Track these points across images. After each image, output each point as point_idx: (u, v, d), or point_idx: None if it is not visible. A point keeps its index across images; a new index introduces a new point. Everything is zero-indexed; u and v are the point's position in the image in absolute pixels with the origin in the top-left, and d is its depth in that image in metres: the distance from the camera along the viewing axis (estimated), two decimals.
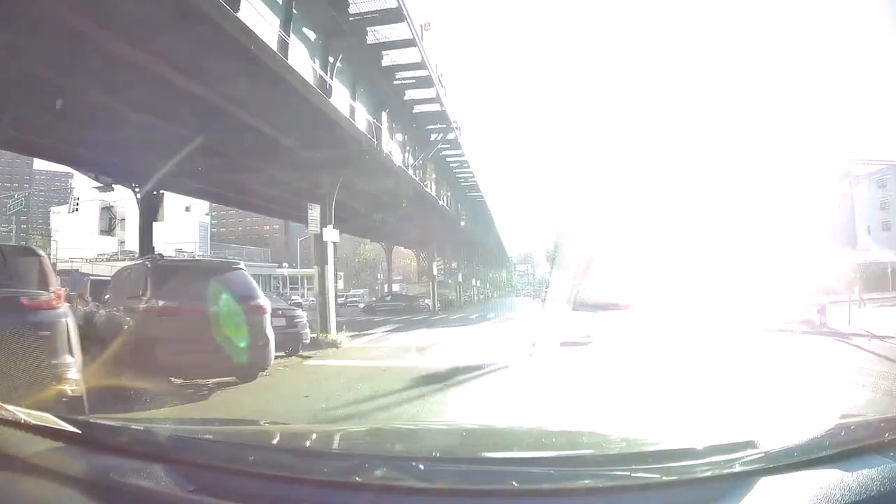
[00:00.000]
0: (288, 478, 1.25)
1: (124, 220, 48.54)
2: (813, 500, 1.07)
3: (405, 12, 12.64)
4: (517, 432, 2.15)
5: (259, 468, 1.29)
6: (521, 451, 1.70)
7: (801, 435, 1.25)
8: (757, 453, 1.19)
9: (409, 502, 1.18)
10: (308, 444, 1.79)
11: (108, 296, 8.20)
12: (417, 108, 19.37)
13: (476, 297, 58.30)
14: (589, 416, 5.21)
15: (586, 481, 1.19)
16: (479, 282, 64.30)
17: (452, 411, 5.73)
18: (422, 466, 1.23)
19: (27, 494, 1.30)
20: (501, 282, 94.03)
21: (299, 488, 1.22)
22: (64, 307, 4.56)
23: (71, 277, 28.70)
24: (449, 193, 30.06)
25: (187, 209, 57.91)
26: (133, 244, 45.66)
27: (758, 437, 1.25)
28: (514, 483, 1.19)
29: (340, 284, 59.11)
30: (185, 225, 53.31)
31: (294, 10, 10.74)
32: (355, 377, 8.13)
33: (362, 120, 14.60)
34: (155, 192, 17.39)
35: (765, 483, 1.13)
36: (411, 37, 13.74)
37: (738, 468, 1.16)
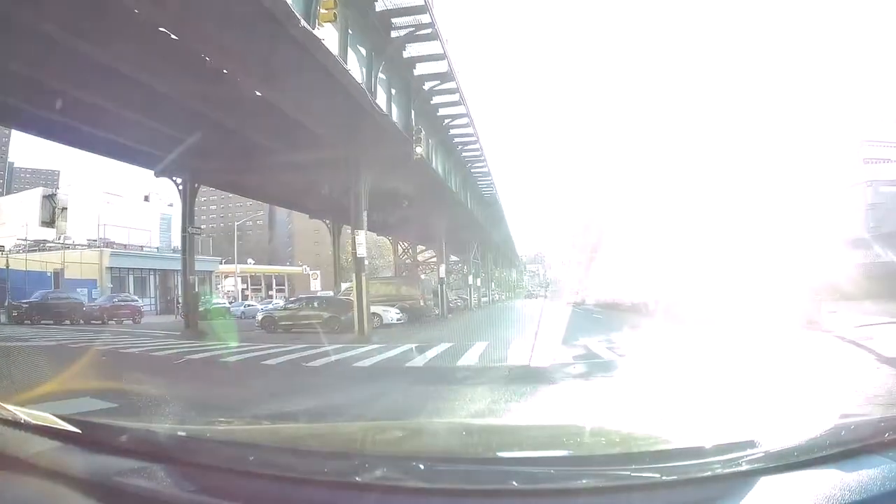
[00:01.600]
0: (288, 478, 1.25)
1: (66, 209, 45.36)
2: (813, 500, 1.07)
3: None
4: (517, 432, 2.15)
5: (259, 468, 1.29)
6: (522, 450, 1.71)
7: (801, 435, 1.26)
8: (757, 453, 1.19)
9: (409, 502, 1.18)
10: (308, 444, 1.79)
11: None
12: None
13: (476, 301, 45.46)
14: (589, 416, 5.20)
15: (586, 481, 1.20)
16: (480, 281, 50.61)
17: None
18: (422, 466, 1.23)
19: (27, 494, 1.30)
20: (511, 282, 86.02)
21: (300, 488, 1.22)
22: None
23: None
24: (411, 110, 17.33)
25: (146, 198, 54.71)
26: (78, 234, 42.23)
27: (758, 437, 1.25)
28: (514, 483, 1.19)
29: (317, 285, 54.42)
30: (143, 215, 49.94)
31: None
32: None
33: None
34: None
35: (765, 483, 1.13)
36: None
37: (738, 468, 1.16)
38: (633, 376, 7.94)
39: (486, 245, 49.26)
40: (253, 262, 56.86)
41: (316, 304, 21.51)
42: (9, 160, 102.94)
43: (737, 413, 2.35)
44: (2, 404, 1.53)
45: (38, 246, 37.86)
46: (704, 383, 6.99)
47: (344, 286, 28.12)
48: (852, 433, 1.29)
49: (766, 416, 2.13)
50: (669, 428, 1.85)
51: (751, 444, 1.22)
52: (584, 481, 1.20)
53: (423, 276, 31.81)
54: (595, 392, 6.93)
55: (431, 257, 43.94)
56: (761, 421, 1.88)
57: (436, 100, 18.96)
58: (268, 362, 11.21)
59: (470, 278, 44.86)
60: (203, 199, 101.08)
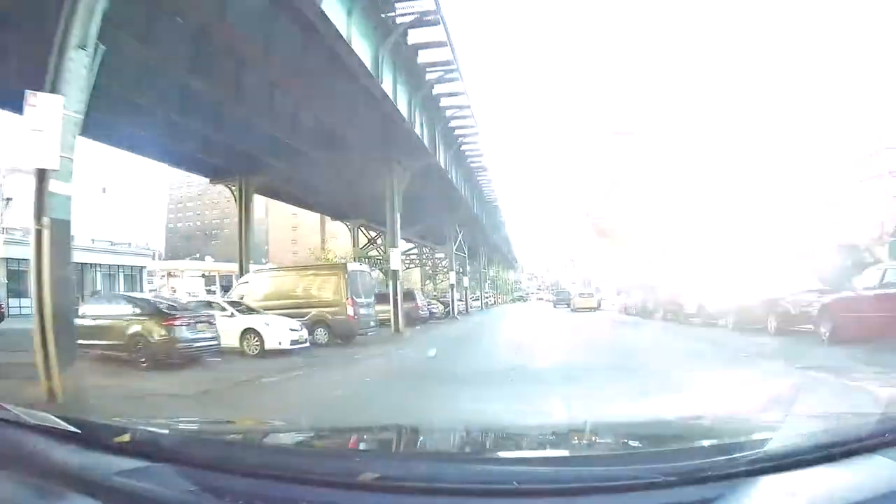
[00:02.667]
0: (288, 478, 1.25)
1: (11, 199, 43.02)
2: (813, 500, 1.07)
3: None
4: (518, 432, 2.16)
5: (259, 468, 1.29)
6: (522, 450, 1.71)
7: (802, 435, 1.26)
8: (757, 453, 1.19)
9: (410, 502, 1.19)
10: (309, 443, 1.79)
11: None
12: None
13: (464, 307, 35.64)
14: (589, 416, 5.18)
15: (587, 481, 1.20)
16: (468, 280, 39.66)
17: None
18: (423, 466, 1.23)
19: (27, 494, 1.30)
20: (508, 284, 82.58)
21: (300, 488, 1.22)
22: None
23: None
24: None
25: (104, 191, 53.36)
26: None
27: (758, 436, 1.25)
28: (515, 483, 1.19)
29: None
30: (100, 210, 47.45)
31: None
32: None
33: None
34: None
35: (765, 483, 1.13)
36: None
37: (738, 468, 1.16)
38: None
39: (477, 237, 39.93)
40: (213, 259, 52.79)
41: (130, 309, 10.62)
42: None
43: (736, 413, 2.35)
44: (2, 404, 1.53)
45: None
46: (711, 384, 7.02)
47: (253, 271, 19.15)
48: (852, 433, 1.29)
49: (766, 416, 2.13)
50: (669, 428, 1.86)
51: (751, 444, 1.22)
52: (584, 481, 1.20)
53: (362, 267, 18.36)
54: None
55: (411, 249, 33.83)
56: (761, 421, 1.88)
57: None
58: None
59: (452, 276, 32.40)
60: (180, 194, 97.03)
